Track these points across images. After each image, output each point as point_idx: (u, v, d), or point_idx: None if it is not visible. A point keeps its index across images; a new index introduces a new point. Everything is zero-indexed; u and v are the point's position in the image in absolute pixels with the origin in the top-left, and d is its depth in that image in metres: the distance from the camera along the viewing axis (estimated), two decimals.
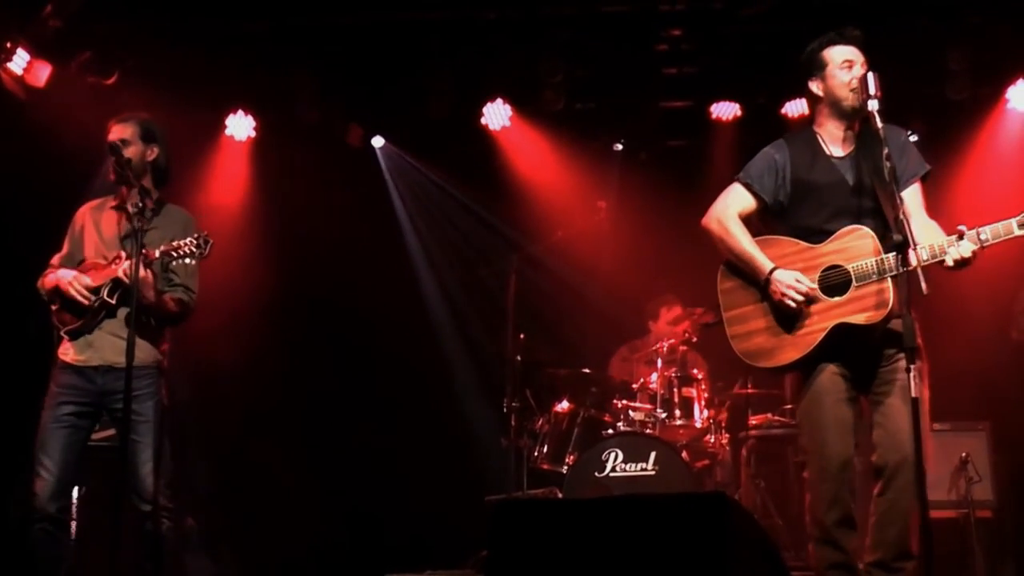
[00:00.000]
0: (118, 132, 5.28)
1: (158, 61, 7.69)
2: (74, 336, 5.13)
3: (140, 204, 4.87)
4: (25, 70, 7.27)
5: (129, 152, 5.21)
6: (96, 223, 5.32)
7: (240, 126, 8.48)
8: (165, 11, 7.52)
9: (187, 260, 4.93)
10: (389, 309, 8.90)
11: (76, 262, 5.26)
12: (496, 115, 8.54)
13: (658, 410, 7.24)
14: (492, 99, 8.45)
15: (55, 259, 5.33)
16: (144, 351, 5.05)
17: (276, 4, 7.61)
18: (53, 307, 5.21)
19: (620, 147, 9.07)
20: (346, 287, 8.72)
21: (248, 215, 8.56)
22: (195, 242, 4.90)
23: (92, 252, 5.25)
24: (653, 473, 6.66)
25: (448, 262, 9.38)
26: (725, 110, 8.41)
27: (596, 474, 6.73)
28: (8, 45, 7.13)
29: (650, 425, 7.21)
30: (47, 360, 5.34)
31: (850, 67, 4.48)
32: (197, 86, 7.79)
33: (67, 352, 5.15)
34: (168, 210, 5.32)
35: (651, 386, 7.39)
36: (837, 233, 4.40)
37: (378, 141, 9.17)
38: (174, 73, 7.67)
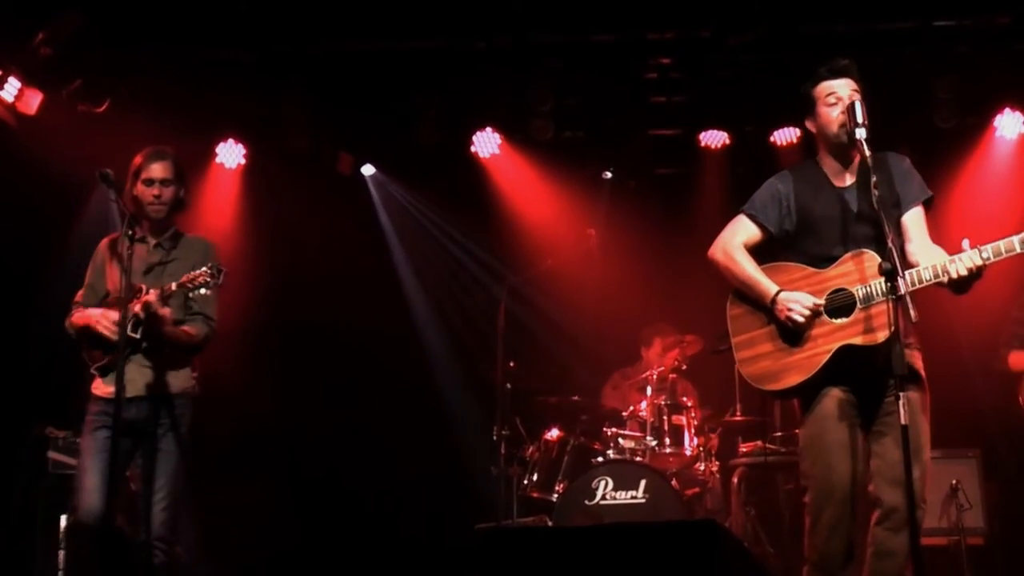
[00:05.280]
0: (162, 170, 5.24)
1: (149, 89, 7.70)
2: (104, 372, 5.15)
3: (160, 241, 5.15)
4: (16, 98, 7.29)
5: (168, 192, 5.24)
6: (117, 257, 5.25)
7: (230, 154, 8.49)
8: (156, 40, 7.53)
9: (202, 291, 4.96)
10: (379, 337, 8.88)
11: (100, 296, 5.27)
12: (486, 143, 8.56)
13: (648, 438, 7.23)
14: (482, 128, 8.48)
15: (78, 296, 5.35)
16: (178, 379, 5.21)
17: (267, 33, 7.62)
18: (83, 345, 5.21)
19: (609, 175, 9.08)
20: (336, 315, 8.70)
21: (238, 243, 8.52)
22: (209, 272, 4.92)
23: (113, 286, 5.23)
24: (643, 501, 6.65)
25: (438, 290, 9.37)
26: (714, 138, 8.43)
27: (586, 502, 6.71)
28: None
29: (640, 453, 7.19)
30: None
31: (836, 101, 4.49)
32: (187, 114, 7.80)
33: (99, 387, 5.18)
34: (186, 241, 5.37)
35: (641, 414, 7.38)
36: (843, 257, 4.42)
37: (368, 169, 9.18)
38: (165, 101, 7.68)
